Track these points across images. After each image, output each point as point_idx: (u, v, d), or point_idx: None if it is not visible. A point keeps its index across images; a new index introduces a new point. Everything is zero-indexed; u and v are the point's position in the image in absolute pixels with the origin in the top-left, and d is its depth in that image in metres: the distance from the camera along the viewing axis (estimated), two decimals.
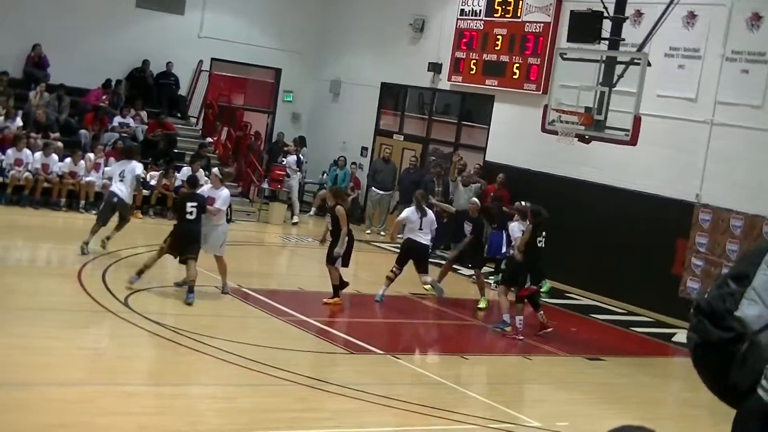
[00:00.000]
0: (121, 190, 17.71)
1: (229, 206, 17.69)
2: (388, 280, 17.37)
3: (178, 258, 15.43)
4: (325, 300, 16.28)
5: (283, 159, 26.39)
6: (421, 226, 17.50)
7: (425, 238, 17.60)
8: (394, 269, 17.43)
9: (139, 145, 22.82)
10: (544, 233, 16.17)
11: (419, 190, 19.15)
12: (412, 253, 17.52)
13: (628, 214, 20.47)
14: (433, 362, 14.84)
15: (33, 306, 13.94)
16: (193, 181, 16.22)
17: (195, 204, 15.26)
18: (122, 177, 17.83)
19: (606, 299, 20.33)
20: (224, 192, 16.00)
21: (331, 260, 16.24)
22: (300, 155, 26.53)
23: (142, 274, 15.24)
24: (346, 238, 16.18)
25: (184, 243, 15.25)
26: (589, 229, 20.99)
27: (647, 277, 19.84)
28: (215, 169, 18.12)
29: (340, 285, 16.37)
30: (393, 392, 11.92)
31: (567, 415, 12.42)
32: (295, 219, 25.38)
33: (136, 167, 18.21)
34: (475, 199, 19.07)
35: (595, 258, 20.76)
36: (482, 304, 17.96)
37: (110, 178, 19.08)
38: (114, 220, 17.93)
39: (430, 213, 17.93)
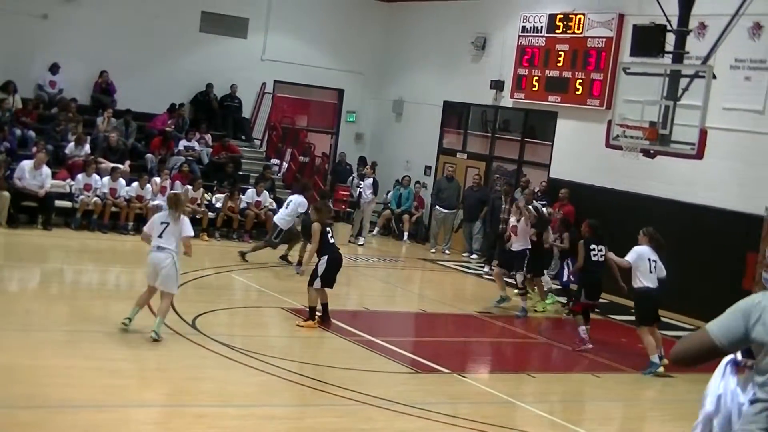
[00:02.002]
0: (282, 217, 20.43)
1: None
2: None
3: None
4: (298, 323, 15.49)
5: (360, 182, 26.43)
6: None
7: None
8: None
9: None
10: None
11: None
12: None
13: (696, 229, 20.23)
14: (499, 380, 14.56)
15: (104, 328, 13.95)
16: None
17: None
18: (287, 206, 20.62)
19: (674, 315, 19.98)
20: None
21: (310, 281, 15.53)
22: (375, 178, 26.53)
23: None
24: (322, 258, 15.50)
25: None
26: None
27: (717, 293, 19.38)
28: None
29: (315, 308, 15.48)
30: (459, 411, 11.90)
31: None
32: (362, 240, 25.44)
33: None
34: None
35: None
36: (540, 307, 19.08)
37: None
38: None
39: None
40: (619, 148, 17.91)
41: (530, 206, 19.30)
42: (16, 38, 24.60)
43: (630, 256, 15.17)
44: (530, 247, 18.48)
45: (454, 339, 17.15)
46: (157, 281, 13.59)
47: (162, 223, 13.69)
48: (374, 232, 26.97)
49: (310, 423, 11.03)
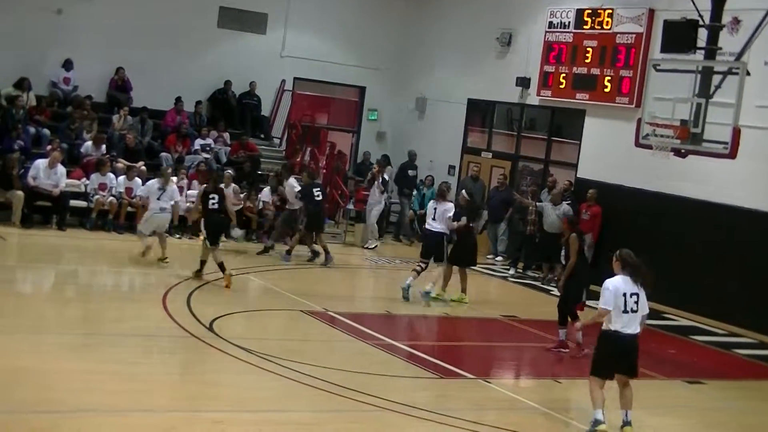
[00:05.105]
0: None
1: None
2: (415, 273, 18.39)
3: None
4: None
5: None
6: (434, 216, 18.44)
7: (437, 227, 18.37)
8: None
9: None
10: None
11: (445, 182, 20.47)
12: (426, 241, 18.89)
13: (727, 230, 19.96)
14: (525, 386, 14.55)
15: (119, 331, 14.04)
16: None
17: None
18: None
19: (706, 320, 19.84)
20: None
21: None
22: (384, 175, 25.87)
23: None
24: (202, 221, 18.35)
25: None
26: (686, 246, 20.52)
27: (749, 296, 19.30)
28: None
29: (204, 262, 17.81)
30: (484, 418, 11.78)
31: None
32: (371, 243, 24.74)
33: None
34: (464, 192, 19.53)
35: (693, 276, 20.26)
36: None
37: None
38: None
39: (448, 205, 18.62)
40: (649, 147, 17.70)
41: (463, 191, 19.07)
42: (30, 34, 24.40)
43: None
44: (446, 233, 18.38)
45: (478, 343, 17.02)
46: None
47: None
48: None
49: (329, 429, 10.96)
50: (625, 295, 11.31)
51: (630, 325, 11.36)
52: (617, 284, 11.40)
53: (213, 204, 18.00)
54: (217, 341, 13.64)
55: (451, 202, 18.91)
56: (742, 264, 19.57)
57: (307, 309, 16.45)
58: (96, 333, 13.88)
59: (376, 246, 24.52)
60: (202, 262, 17.76)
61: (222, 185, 19.00)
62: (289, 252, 20.93)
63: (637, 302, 11.36)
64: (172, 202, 19.83)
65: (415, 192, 26.69)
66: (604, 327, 11.48)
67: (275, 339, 14.80)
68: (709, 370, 16.17)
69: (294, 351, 13.64)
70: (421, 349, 14.99)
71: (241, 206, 22.16)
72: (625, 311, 11.31)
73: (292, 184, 21.61)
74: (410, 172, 26.92)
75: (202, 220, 18.35)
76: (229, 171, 22.52)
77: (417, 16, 29.12)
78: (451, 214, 18.29)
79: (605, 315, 11.42)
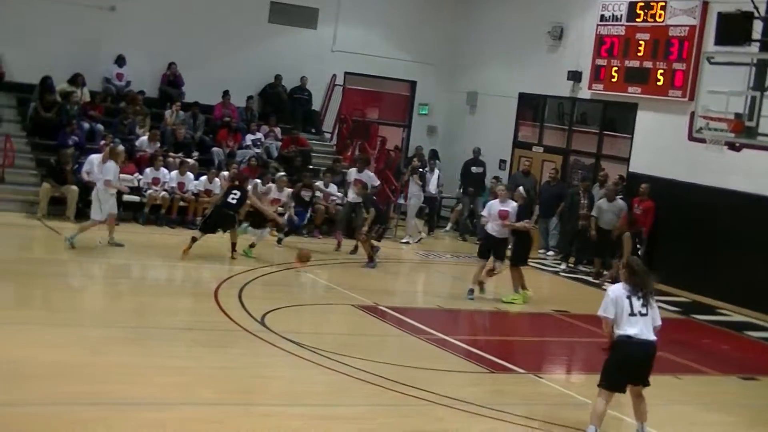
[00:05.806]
0: None
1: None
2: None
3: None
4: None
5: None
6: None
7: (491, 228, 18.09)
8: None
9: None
10: None
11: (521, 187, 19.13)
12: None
13: None
14: (577, 381, 14.32)
15: (171, 325, 14.06)
16: None
17: None
18: None
19: (760, 315, 19.49)
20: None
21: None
22: (423, 170, 25.52)
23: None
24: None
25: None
26: (741, 241, 20.21)
27: None
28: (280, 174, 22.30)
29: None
30: (535, 413, 11.65)
31: None
32: (408, 239, 24.52)
33: None
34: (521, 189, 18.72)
35: (746, 272, 19.94)
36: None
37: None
38: None
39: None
40: (703, 141, 17.65)
41: (520, 188, 18.74)
42: (84, 31, 24.63)
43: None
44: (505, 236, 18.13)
45: (529, 338, 16.93)
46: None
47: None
48: (447, 228, 26.55)
49: (379, 423, 10.80)
50: (629, 298, 10.61)
51: (642, 331, 10.56)
52: (618, 290, 10.75)
53: (232, 198, 18.80)
54: (268, 335, 13.59)
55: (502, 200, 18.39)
56: None
57: (358, 303, 16.39)
58: (147, 326, 13.90)
59: (419, 240, 24.32)
60: (193, 239, 18.70)
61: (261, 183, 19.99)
62: (372, 259, 20.16)
63: (644, 305, 10.60)
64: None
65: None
66: (616, 334, 10.72)
67: (327, 333, 14.74)
68: (763, 367, 15.87)
69: (345, 345, 13.58)
70: (473, 343, 14.89)
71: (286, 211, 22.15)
72: (632, 314, 10.57)
73: (371, 175, 21.53)
74: (473, 169, 26.44)
75: (212, 209, 19.23)
76: (283, 174, 22.37)
77: (468, 9, 28.98)
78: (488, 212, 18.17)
79: (606, 322, 10.76)
